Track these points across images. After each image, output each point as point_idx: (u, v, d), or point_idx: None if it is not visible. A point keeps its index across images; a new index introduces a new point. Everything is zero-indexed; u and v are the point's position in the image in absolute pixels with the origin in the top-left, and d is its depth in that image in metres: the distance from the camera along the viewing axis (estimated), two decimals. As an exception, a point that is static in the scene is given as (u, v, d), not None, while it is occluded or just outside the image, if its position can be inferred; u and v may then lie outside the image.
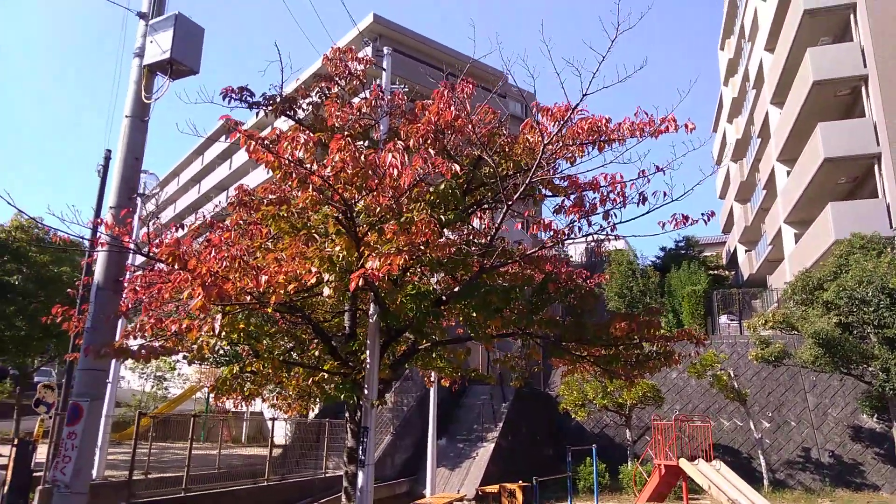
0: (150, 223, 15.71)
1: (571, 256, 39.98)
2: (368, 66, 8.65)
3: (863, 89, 23.00)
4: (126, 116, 7.82)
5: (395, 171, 4.94)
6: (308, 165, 5.18)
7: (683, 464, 16.38)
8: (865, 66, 22.36)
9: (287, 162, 5.10)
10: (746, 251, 36.14)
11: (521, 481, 16.14)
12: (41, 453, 13.07)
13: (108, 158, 15.05)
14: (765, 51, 29.81)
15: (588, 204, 7.42)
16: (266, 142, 5.29)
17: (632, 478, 18.88)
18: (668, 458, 16.78)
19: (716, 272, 37.07)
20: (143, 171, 16.70)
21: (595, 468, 17.58)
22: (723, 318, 28.02)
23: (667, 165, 6.93)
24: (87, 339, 7.27)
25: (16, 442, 12.82)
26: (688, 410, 22.48)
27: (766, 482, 19.28)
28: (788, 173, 27.15)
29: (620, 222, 7.07)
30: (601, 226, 7.44)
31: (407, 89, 12.96)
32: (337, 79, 8.78)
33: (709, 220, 6.53)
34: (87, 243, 11.11)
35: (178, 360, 26.64)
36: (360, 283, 4.82)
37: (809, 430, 21.14)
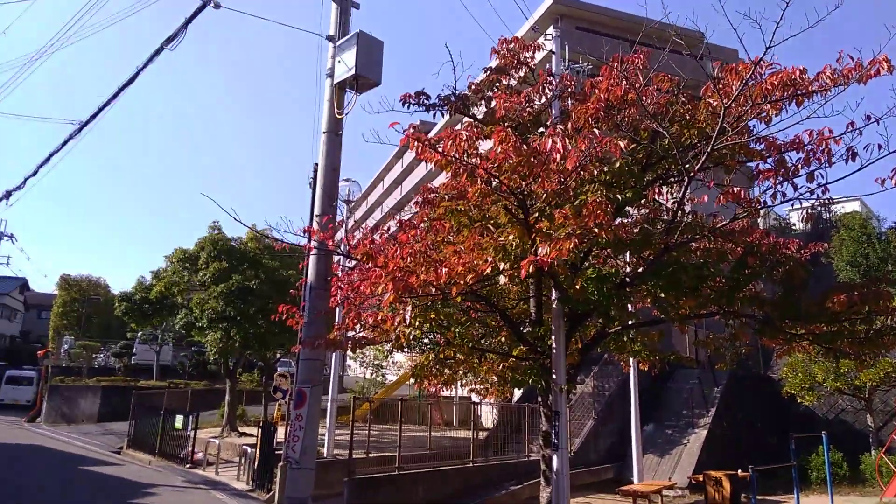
0: (348, 226, 17.15)
1: (794, 224, 35.86)
2: (537, 51, 8.57)
3: None
4: (323, 132, 8.71)
5: (558, 156, 4.88)
6: (473, 160, 5.32)
7: (943, 456, 14.00)
8: None
9: (453, 158, 5.30)
10: None
11: (739, 471, 14.96)
12: (281, 434, 15.02)
13: (316, 171, 16.70)
14: None
15: (791, 165, 6.67)
16: (433, 141, 5.53)
17: (875, 468, 16.55)
18: (921, 448, 14.44)
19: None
20: (347, 179, 18.30)
21: (827, 457, 15.68)
22: None
23: (887, 113, 5.96)
24: (305, 332, 8.26)
25: (261, 424, 14.94)
26: (948, 394, 19.08)
27: None
28: None
29: (828, 183, 6.23)
30: (809, 189, 6.64)
31: (591, 66, 12.53)
32: (507, 69, 8.84)
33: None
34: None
35: (388, 350, 28.72)
36: (531, 270, 4.84)
37: None
